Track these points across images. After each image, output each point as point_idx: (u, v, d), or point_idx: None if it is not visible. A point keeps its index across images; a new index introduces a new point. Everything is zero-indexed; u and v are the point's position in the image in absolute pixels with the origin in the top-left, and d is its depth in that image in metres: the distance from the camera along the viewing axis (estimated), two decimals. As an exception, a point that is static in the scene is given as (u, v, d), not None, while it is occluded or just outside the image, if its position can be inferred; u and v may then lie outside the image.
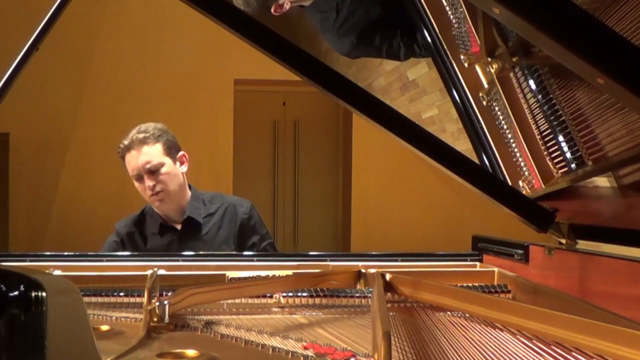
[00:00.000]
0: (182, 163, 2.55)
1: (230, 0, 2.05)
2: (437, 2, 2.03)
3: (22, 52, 1.98)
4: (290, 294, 1.77)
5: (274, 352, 1.28)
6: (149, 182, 2.46)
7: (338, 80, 1.62)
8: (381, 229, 5.60)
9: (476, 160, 1.91)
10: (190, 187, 2.61)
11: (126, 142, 2.49)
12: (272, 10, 2.12)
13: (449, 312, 1.63)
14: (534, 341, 1.33)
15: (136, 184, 2.52)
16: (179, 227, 2.56)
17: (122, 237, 2.55)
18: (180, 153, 2.56)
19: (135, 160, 2.47)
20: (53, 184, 5.31)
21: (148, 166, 2.46)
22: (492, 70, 1.85)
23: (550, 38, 1.08)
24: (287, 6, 2.14)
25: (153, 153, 2.47)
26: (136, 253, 2.44)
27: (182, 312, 1.59)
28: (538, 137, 1.75)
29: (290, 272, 1.86)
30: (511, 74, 1.80)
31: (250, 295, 1.74)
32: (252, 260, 2.03)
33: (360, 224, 5.70)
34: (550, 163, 1.72)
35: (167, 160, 2.49)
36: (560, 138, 1.67)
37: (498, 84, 1.86)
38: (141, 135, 2.47)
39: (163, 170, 2.47)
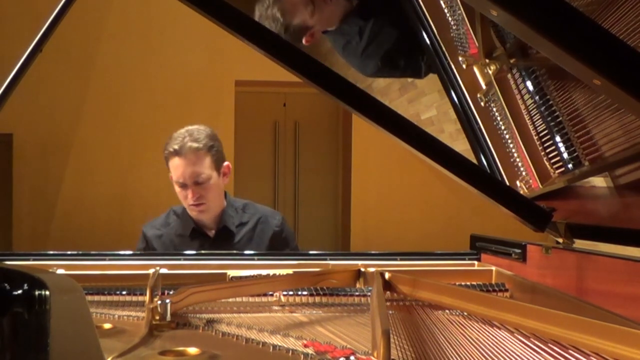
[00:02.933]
0: (225, 174, 2.53)
1: (254, 19, 1.98)
2: (436, 3, 2.04)
3: (26, 54, 1.99)
4: (291, 293, 1.78)
5: (275, 350, 1.29)
6: (193, 193, 2.43)
7: (338, 81, 1.62)
8: (380, 229, 5.61)
9: (474, 161, 1.91)
10: (225, 195, 2.58)
11: (176, 147, 2.42)
12: (304, 41, 2.07)
13: (447, 311, 1.64)
14: (531, 339, 1.34)
15: (177, 189, 2.48)
16: (210, 233, 2.54)
17: (147, 240, 2.51)
18: (225, 164, 2.53)
19: (184, 168, 2.42)
20: (56, 183, 5.32)
21: (196, 178, 2.42)
22: (490, 72, 1.86)
23: (548, 40, 1.08)
24: (317, 35, 2.10)
25: (203, 165, 2.42)
26: (138, 252, 2.44)
27: (184, 311, 1.60)
28: (535, 137, 1.76)
29: (290, 271, 1.88)
30: (509, 75, 1.81)
31: (251, 294, 1.75)
32: (253, 260, 2.04)
33: (359, 223, 5.71)
34: (547, 163, 1.73)
35: (214, 174, 2.46)
36: (557, 138, 1.68)
37: (496, 85, 1.87)
38: (194, 145, 2.41)
39: (209, 182, 2.44)
